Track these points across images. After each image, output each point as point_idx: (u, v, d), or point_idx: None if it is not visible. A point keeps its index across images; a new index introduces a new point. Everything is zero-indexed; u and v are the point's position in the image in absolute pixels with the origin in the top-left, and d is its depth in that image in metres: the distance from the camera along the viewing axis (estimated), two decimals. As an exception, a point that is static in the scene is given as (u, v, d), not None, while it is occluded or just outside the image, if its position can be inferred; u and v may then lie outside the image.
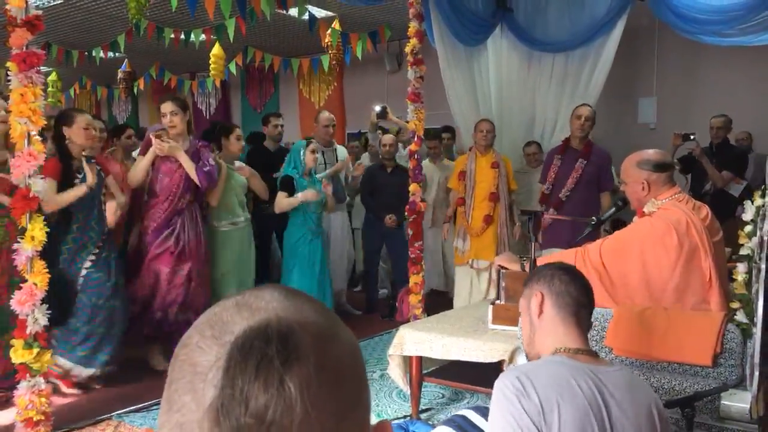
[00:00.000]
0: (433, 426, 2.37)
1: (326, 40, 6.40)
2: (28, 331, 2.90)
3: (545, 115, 5.56)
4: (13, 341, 2.90)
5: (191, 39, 6.78)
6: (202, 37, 6.73)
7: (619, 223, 4.06)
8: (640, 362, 2.50)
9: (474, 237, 5.00)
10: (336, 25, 6.34)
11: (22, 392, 2.90)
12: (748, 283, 2.45)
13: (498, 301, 3.21)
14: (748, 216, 2.51)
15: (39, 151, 2.93)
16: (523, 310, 1.65)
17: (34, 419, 2.92)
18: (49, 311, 2.93)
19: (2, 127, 3.41)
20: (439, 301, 5.55)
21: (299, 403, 0.45)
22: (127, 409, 3.52)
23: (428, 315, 4.14)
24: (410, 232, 4.76)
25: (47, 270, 2.93)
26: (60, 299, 3.48)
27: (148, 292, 4.04)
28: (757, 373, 2.14)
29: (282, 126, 5.77)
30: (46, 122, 2.98)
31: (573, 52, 5.29)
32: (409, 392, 3.36)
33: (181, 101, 4.17)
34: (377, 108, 5.62)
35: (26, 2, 2.84)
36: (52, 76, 8.62)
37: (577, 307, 1.55)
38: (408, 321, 4.27)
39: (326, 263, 4.80)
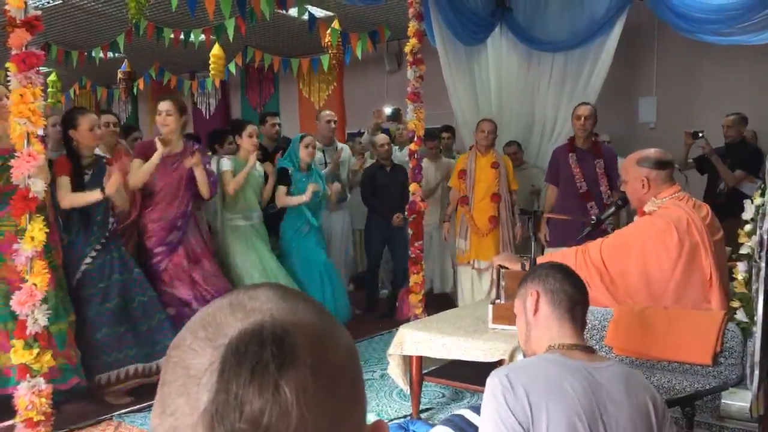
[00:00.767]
0: (433, 425, 2.37)
1: (326, 40, 6.40)
2: (28, 332, 2.90)
3: (545, 114, 5.56)
4: (14, 342, 2.90)
5: (191, 39, 6.78)
6: (202, 37, 6.72)
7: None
8: (640, 361, 2.50)
9: (478, 236, 4.99)
10: (335, 24, 6.33)
11: (23, 393, 2.90)
12: (748, 282, 2.45)
13: (498, 301, 3.21)
14: (747, 215, 2.52)
15: (39, 151, 2.93)
16: (519, 311, 1.66)
17: (35, 420, 2.92)
18: None
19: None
20: (439, 300, 5.55)
21: (295, 408, 0.45)
22: (128, 410, 3.52)
23: (428, 315, 4.14)
24: (410, 231, 4.76)
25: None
26: None
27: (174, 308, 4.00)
28: (757, 372, 2.14)
29: (279, 125, 5.76)
30: (45, 123, 2.98)
31: (572, 51, 5.29)
32: (409, 392, 3.36)
33: (180, 103, 4.15)
34: (388, 109, 5.63)
35: (25, 3, 2.84)
36: (52, 77, 8.61)
37: (572, 304, 1.56)
38: (408, 320, 4.27)
39: (325, 255, 4.83)
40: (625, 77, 6.46)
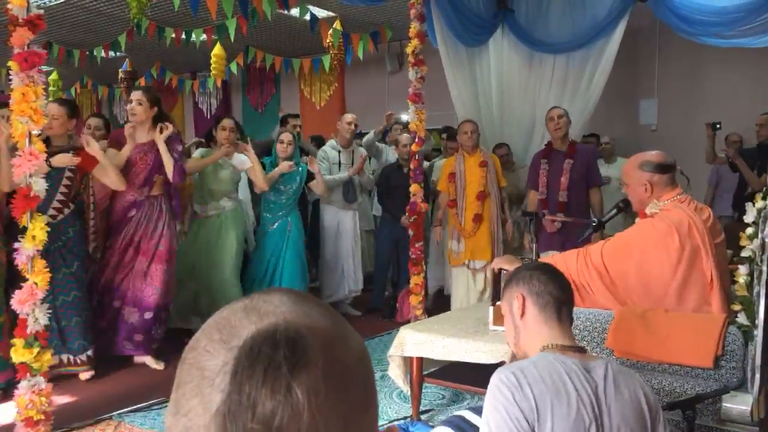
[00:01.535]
0: (433, 427, 2.37)
1: (327, 41, 6.41)
2: (28, 331, 2.90)
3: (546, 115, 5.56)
4: (14, 340, 2.90)
5: (192, 39, 6.78)
6: (203, 36, 6.73)
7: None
8: (641, 364, 2.50)
9: (467, 238, 4.98)
10: (337, 25, 6.34)
11: (23, 392, 2.90)
12: (749, 285, 2.45)
13: (499, 303, 3.21)
14: (749, 218, 2.51)
15: (40, 150, 2.93)
16: (506, 313, 1.67)
17: (35, 418, 2.92)
18: None
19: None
20: (439, 302, 5.55)
21: (306, 410, 0.45)
22: (127, 409, 3.51)
23: (429, 316, 4.14)
24: (411, 232, 4.76)
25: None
26: None
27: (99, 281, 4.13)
28: (758, 376, 2.14)
29: (300, 126, 5.81)
30: (47, 121, 2.99)
31: (574, 53, 5.30)
32: (409, 393, 3.36)
33: (153, 94, 4.21)
34: (405, 117, 5.63)
35: (27, 2, 2.84)
36: (53, 76, 8.62)
37: (558, 305, 1.57)
38: (408, 322, 4.27)
39: (293, 248, 4.91)
40: (627, 79, 6.46)
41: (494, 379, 1.44)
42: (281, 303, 0.52)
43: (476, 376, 3.13)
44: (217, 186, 4.66)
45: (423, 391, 3.41)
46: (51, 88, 8.39)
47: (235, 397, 0.45)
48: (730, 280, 2.60)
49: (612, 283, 2.55)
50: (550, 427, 1.35)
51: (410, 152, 5.48)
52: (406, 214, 5.18)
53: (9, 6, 2.83)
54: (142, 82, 8.67)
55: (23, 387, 2.90)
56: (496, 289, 3.27)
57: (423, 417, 3.37)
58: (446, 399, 3.69)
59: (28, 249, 2.91)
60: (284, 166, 4.79)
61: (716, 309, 2.45)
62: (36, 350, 2.91)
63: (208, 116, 9.88)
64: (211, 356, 0.48)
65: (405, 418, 3.37)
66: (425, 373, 3.32)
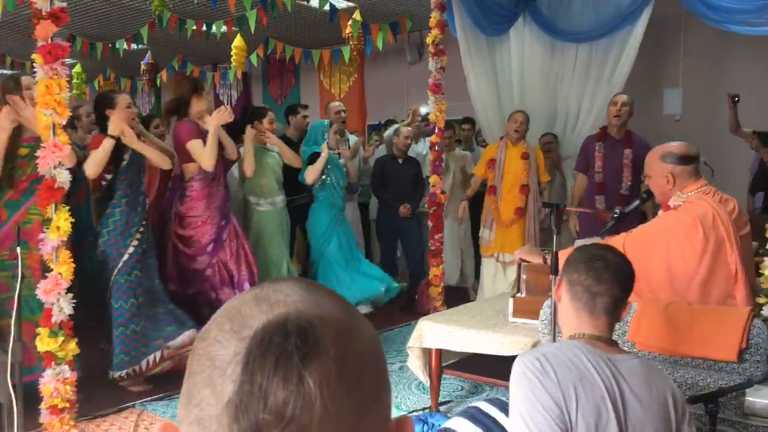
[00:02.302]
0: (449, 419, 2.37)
1: (347, 31, 6.38)
2: (53, 320, 2.95)
3: (568, 106, 5.49)
4: (39, 329, 2.96)
5: (213, 30, 6.81)
6: (224, 28, 6.75)
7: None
8: (663, 357, 2.47)
9: (502, 228, 4.95)
10: (357, 15, 6.31)
11: (48, 380, 2.96)
12: (775, 278, 2.40)
13: (519, 294, 3.19)
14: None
15: (64, 141, 2.97)
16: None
17: (59, 406, 2.98)
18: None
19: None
20: (457, 294, 5.54)
21: (319, 400, 0.45)
22: (149, 398, 3.57)
23: (447, 308, 4.13)
24: (430, 224, 4.74)
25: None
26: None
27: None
28: (783, 370, 2.10)
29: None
30: (71, 113, 3.03)
31: (597, 42, 5.21)
32: (428, 384, 3.36)
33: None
34: (424, 109, 5.62)
35: (51, -5, 2.88)
36: (77, 68, 8.72)
37: (591, 298, 1.53)
38: (427, 313, 4.27)
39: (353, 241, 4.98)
40: (651, 68, 6.35)
41: (518, 365, 1.43)
42: (292, 292, 0.51)
43: (495, 367, 3.13)
44: (264, 180, 4.58)
45: (442, 382, 3.42)
46: (74, 81, 8.49)
47: (247, 387, 0.45)
48: (755, 272, 2.55)
49: (635, 278, 2.51)
50: (576, 411, 1.35)
51: (410, 144, 5.51)
52: (407, 204, 5.20)
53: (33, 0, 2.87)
54: (163, 74, 8.74)
55: (48, 375, 2.96)
56: (518, 281, 3.25)
57: (442, 408, 3.38)
58: (465, 390, 3.69)
59: (52, 239, 2.96)
60: (323, 157, 4.71)
61: (741, 302, 2.41)
62: (61, 339, 2.96)
63: (229, 107, 9.94)
64: (221, 346, 0.48)
65: (424, 409, 3.37)
66: (444, 364, 3.32)
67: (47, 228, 2.98)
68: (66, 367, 3.00)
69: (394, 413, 0.56)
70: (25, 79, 3.47)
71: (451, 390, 3.68)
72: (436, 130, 4.88)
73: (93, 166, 3.56)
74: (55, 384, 2.96)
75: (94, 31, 7.77)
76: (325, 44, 8.09)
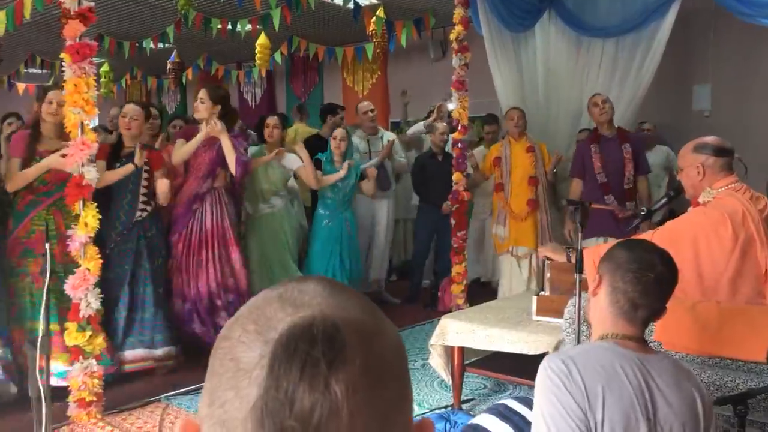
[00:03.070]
0: (474, 416, 2.36)
1: (370, 28, 6.38)
2: (81, 315, 3.00)
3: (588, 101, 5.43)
4: (67, 324, 3.01)
5: (237, 29, 6.86)
6: (248, 27, 6.80)
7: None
8: (690, 357, 2.43)
9: (516, 221, 4.96)
10: (380, 12, 6.30)
11: (76, 374, 3.01)
12: (807, 278, 2.35)
13: (543, 293, 3.16)
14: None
15: (92, 140, 3.02)
16: (589, 278, 1.66)
17: (87, 400, 3.03)
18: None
19: (54, 119, 3.54)
20: (481, 291, 5.51)
21: (345, 407, 0.44)
22: (175, 392, 3.61)
23: (470, 305, 4.11)
24: (453, 221, 4.73)
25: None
26: None
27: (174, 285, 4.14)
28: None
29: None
30: (99, 111, 3.08)
31: (624, 37, 5.14)
32: (450, 382, 3.35)
33: (217, 92, 4.23)
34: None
35: (79, -6, 2.92)
36: (104, 67, 8.85)
37: (632, 308, 1.48)
38: (450, 311, 4.25)
39: (351, 245, 4.93)
40: (679, 64, 6.24)
41: (543, 368, 1.41)
42: (316, 294, 0.51)
43: (518, 366, 3.10)
44: (267, 186, 4.67)
45: (464, 380, 3.40)
46: (102, 80, 8.62)
47: (273, 393, 0.44)
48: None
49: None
50: (602, 414, 1.33)
51: (447, 140, 5.48)
52: (447, 201, 5.17)
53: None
54: (189, 73, 8.83)
55: (76, 369, 3.01)
56: (542, 279, 3.23)
57: (464, 406, 3.36)
58: (488, 389, 3.67)
59: (80, 236, 3.01)
60: (339, 175, 4.78)
61: (771, 301, 2.36)
62: (89, 334, 3.01)
63: (253, 106, 10.00)
64: (246, 348, 0.48)
65: (446, 407, 3.36)
66: (467, 362, 3.31)
67: (75, 224, 3.03)
68: (93, 361, 3.05)
69: (416, 411, 0.56)
70: (51, 94, 3.54)
71: (473, 388, 3.66)
72: (459, 127, 4.86)
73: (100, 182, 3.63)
74: (83, 378, 3.01)
75: (122, 31, 7.88)
76: (348, 42, 8.10)
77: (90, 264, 3.03)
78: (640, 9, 4.99)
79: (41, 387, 2.33)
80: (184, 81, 9.08)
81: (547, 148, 5.19)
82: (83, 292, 3.01)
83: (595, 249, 2.68)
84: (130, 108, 3.99)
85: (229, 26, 6.90)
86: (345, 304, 0.50)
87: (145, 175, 3.92)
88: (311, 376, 0.44)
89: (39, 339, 2.35)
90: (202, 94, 4.15)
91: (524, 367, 2.98)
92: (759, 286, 2.38)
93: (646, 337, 2.49)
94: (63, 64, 2.99)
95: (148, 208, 3.94)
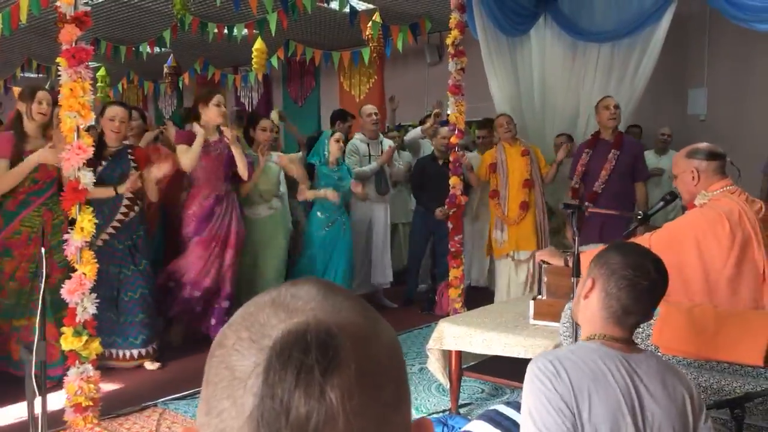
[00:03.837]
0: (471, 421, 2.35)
1: (367, 33, 6.40)
2: (77, 319, 2.99)
3: (590, 106, 5.44)
4: (63, 329, 3.00)
5: (234, 33, 6.87)
6: (245, 31, 6.81)
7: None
8: (687, 361, 2.43)
9: (512, 226, 4.97)
10: (377, 17, 6.32)
11: (72, 379, 2.99)
12: (804, 281, 2.35)
13: (540, 297, 3.16)
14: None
15: (88, 144, 3.01)
16: (581, 279, 1.64)
17: (83, 405, 3.01)
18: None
19: (43, 119, 3.58)
20: (478, 295, 5.51)
21: (341, 414, 0.44)
22: (172, 397, 3.60)
23: (468, 309, 4.11)
24: (450, 225, 4.72)
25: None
26: None
27: (183, 274, 4.21)
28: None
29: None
30: (95, 116, 3.08)
31: (619, 41, 5.16)
32: (448, 386, 3.34)
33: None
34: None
35: (75, -1, 2.92)
36: (101, 72, 8.85)
37: (624, 314, 1.48)
38: (447, 315, 4.25)
39: (347, 251, 4.92)
40: (675, 68, 6.27)
41: (531, 368, 1.43)
42: (310, 298, 0.50)
43: (516, 370, 3.09)
44: (266, 186, 4.70)
45: (462, 384, 3.39)
46: (99, 84, 8.62)
47: (268, 401, 0.44)
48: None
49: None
50: (588, 412, 1.34)
51: (448, 144, 5.47)
52: (444, 206, 5.17)
53: (58, 3, 2.91)
54: (186, 77, 8.83)
55: (72, 374, 3.00)
56: (539, 283, 3.23)
57: (462, 410, 3.36)
58: (485, 393, 3.66)
59: (76, 240, 3.00)
60: (330, 194, 4.74)
61: (768, 305, 2.37)
62: (85, 338, 3.00)
63: (250, 110, 10.01)
64: (241, 356, 0.47)
65: (443, 411, 3.35)
66: (464, 366, 3.30)
67: (71, 229, 3.02)
68: (90, 366, 3.03)
69: (414, 415, 0.55)
70: (41, 94, 3.57)
71: (471, 392, 3.66)
72: (456, 132, 4.86)
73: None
74: (79, 383, 3.00)
75: (118, 35, 7.88)
76: (345, 46, 8.12)
77: (86, 268, 3.01)
78: (635, 13, 5.02)
79: (36, 391, 2.32)
80: (180, 85, 9.08)
81: (541, 151, 5.21)
82: (79, 296, 3.00)
83: (593, 253, 2.69)
84: (119, 111, 3.97)
85: (226, 30, 6.91)
86: (339, 307, 0.50)
87: (131, 174, 3.91)
88: (306, 384, 0.44)
89: (35, 344, 2.33)
90: (221, 99, 4.27)
91: (522, 371, 2.96)
92: (758, 287, 2.39)
93: (643, 342, 2.50)
94: (59, 68, 2.98)
95: (136, 209, 3.94)
